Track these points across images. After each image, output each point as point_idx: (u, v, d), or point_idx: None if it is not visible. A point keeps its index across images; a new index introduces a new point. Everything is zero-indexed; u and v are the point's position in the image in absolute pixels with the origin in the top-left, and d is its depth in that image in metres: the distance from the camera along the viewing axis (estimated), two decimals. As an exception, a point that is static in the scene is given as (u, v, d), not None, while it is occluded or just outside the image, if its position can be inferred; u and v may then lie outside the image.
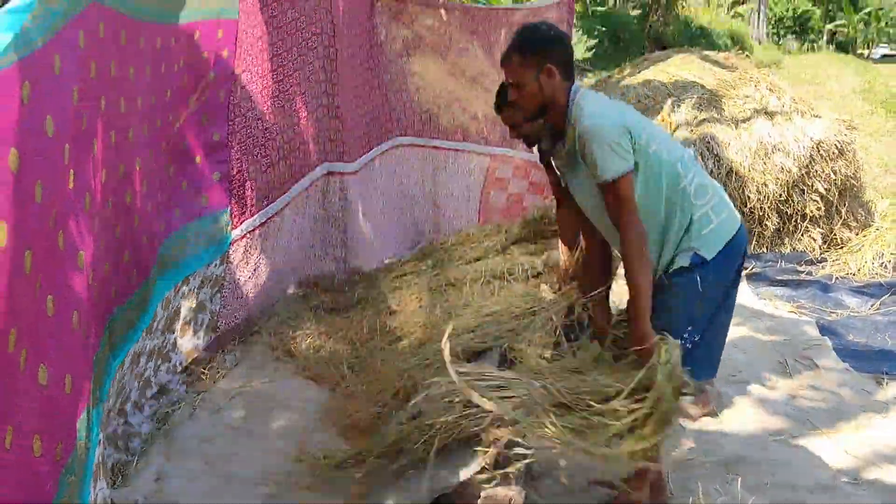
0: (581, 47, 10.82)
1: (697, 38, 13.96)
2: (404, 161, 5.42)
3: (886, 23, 33.39)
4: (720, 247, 2.35)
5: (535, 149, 2.92)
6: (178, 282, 3.19)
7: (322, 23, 4.34)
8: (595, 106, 2.29)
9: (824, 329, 4.40)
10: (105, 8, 2.17)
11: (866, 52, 32.22)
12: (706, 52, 7.85)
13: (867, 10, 32.95)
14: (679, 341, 2.16)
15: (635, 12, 14.07)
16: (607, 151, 2.19)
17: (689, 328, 2.38)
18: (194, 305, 3.40)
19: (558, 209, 3.11)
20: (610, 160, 2.19)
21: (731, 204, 2.47)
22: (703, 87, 6.61)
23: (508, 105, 2.58)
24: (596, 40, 11.87)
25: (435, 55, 5.37)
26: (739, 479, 2.81)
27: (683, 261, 2.35)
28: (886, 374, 3.72)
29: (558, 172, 2.64)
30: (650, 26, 13.56)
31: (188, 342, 3.41)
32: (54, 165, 1.67)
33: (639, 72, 7.35)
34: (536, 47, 2.32)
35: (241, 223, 3.67)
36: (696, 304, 2.37)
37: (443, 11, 5.36)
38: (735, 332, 4.23)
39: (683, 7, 15.71)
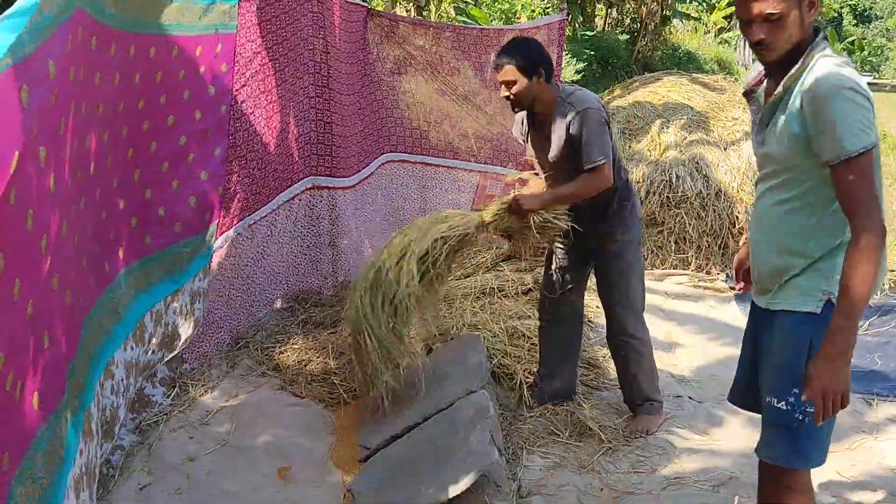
0: (570, 70, 10.89)
1: (685, 63, 14.10)
2: (394, 177, 5.42)
3: (869, 52, 33.96)
4: None
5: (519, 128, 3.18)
6: (169, 294, 3.14)
7: (315, 40, 4.34)
8: (843, 66, 1.86)
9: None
10: (85, 14, 2.15)
11: (850, 80, 32.71)
12: (695, 75, 7.92)
13: (850, 40, 33.50)
14: (782, 406, 1.96)
15: (623, 37, 14.18)
16: (855, 117, 1.79)
17: (795, 391, 1.95)
18: (190, 321, 3.37)
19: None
20: (858, 128, 1.78)
21: None
22: (692, 108, 6.64)
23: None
24: (585, 63, 11.93)
25: (426, 74, 5.39)
26: (732, 499, 2.78)
27: (808, 304, 1.96)
28: (877, 395, 3.71)
29: None
30: (638, 51, 13.66)
31: (166, 355, 3.36)
32: (28, 168, 1.64)
33: (629, 93, 7.40)
34: None
35: (221, 234, 3.64)
36: (804, 361, 1.94)
37: (433, 31, 5.39)
38: (727, 352, 4.24)
39: (671, 33, 15.88)
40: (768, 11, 1.86)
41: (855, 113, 1.79)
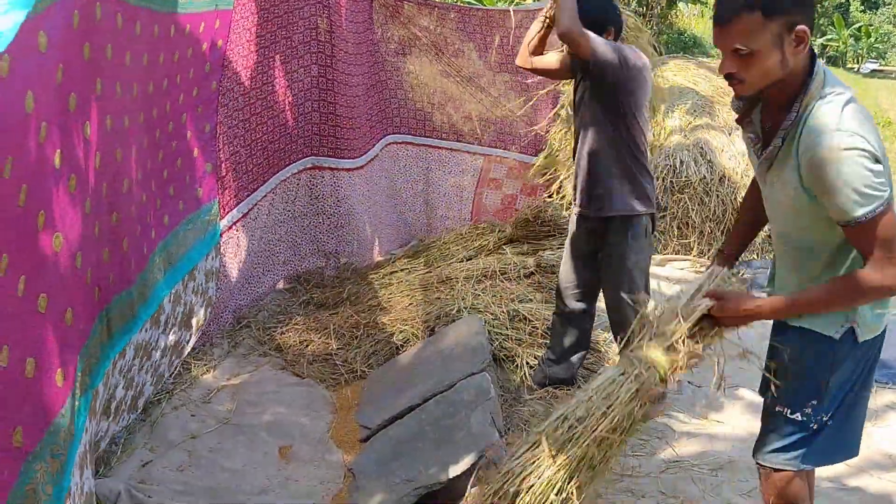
0: (575, 53, 10.80)
1: (691, 48, 14.08)
2: (397, 159, 5.41)
3: (876, 38, 33.69)
4: (876, 333, 1.88)
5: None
6: (185, 275, 3.15)
7: (319, 19, 4.32)
8: (842, 113, 1.66)
9: (814, 336, 4.39)
10: None
11: (856, 66, 32.50)
12: (701, 59, 7.89)
13: (857, 26, 33.27)
14: (796, 417, 1.90)
15: (629, 20, 14.10)
16: (860, 182, 1.61)
17: (813, 402, 1.90)
18: (203, 301, 3.38)
19: None
20: (865, 193, 1.62)
21: None
22: (697, 93, 6.61)
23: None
24: (590, 46, 11.87)
25: (430, 55, 5.36)
26: (729, 483, 2.80)
27: (829, 329, 1.85)
28: (876, 382, 3.70)
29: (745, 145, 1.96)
30: (644, 35, 13.59)
31: (189, 335, 3.38)
32: (27, 142, 1.63)
33: (633, 77, 7.36)
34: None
35: (226, 214, 3.64)
36: (825, 375, 1.88)
37: (438, 12, 5.36)
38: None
39: (677, 17, 15.79)
40: (735, 46, 1.66)
41: (859, 177, 1.61)
